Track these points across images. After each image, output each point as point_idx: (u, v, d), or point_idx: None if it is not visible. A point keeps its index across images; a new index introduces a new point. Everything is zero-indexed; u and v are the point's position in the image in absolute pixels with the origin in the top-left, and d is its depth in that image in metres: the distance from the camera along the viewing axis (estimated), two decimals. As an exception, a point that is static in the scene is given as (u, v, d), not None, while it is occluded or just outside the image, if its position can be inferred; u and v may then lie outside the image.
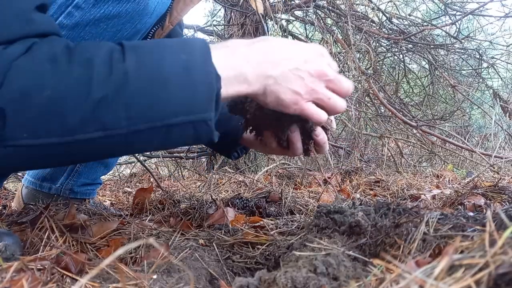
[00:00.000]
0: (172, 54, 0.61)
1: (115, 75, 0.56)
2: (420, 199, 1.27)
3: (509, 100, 2.76)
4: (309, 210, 1.20)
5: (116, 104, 0.56)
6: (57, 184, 1.26)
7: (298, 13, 2.83)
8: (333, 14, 2.69)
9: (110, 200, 1.58)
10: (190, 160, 2.70)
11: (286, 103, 0.69)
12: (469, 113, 3.51)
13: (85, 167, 1.28)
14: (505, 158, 1.75)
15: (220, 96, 0.62)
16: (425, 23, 2.78)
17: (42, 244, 0.81)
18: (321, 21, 2.65)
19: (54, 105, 0.54)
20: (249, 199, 1.23)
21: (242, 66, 0.66)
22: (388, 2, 2.89)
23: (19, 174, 1.84)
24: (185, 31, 3.00)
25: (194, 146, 2.78)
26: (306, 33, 3.03)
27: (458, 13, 2.65)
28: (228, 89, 0.65)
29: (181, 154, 2.59)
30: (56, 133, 0.55)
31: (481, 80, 3.05)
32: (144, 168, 2.31)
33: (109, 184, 2.11)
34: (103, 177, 1.43)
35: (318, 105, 0.73)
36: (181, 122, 0.60)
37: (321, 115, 0.73)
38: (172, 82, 0.59)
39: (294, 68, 0.69)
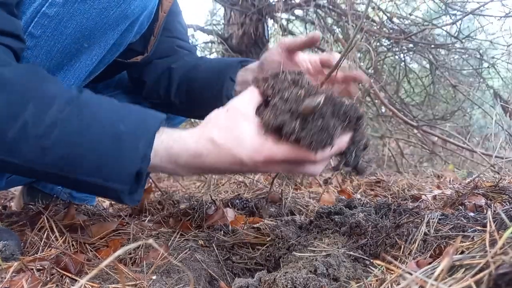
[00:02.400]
0: (114, 124, 0.63)
1: (46, 120, 0.60)
2: (421, 200, 1.26)
3: (509, 100, 2.75)
4: (309, 211, 1.20)
5: (35, 144, 0.60)
6: (59, 186, 1.27)
7: (299, 12, 2.83)
8: (333, 13, 2.68)
9: (109, 200, 1.58)
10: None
11: None
12: (470, 113, 3.51)
13: None
14: (506, 158, 1.75)
15: (143, 175, 0.65)
16: (426, 23, 2.78)
17: (42, 244, 0.80)
18: (322, 20, 2.65)
19: None
20: (249, 200, 1.22)
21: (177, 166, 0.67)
22: (389, 1, 2.88)
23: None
24: (185, 31, 2.99)
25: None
26: (307, 32, 3.02)
27: (459, 12, 2.65)
28: (156, 169, 0.67)
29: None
30: None
31: (481, 80, 3.05)
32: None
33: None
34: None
35: None
36: (92, 182, 0.63)
37: None
38: (97, 146, 0.62)
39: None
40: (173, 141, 0.66)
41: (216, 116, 0.69)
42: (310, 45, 0.94)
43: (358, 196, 1.48)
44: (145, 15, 0.83)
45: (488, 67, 2.93)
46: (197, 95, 1.06)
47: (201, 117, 0.71)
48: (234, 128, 0.66)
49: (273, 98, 0.67)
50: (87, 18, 0.73)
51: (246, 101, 0.69)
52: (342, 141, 0.68)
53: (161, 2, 0.98)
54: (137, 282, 0.64)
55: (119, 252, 0.36)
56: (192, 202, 1.12)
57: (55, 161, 0.62)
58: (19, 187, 1.36)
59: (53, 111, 0.61)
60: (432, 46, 2.77)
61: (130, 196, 0.66)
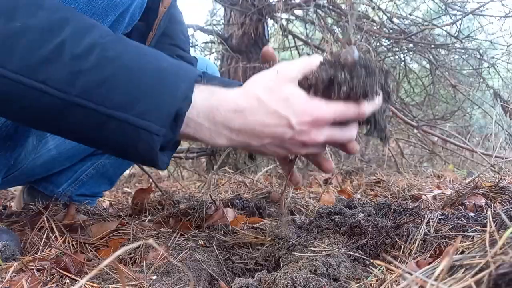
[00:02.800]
0: (156, 59, 0.59)
1: (86, 41, 0.55)
2: (421, 200, 1.26)
3: (509, 100, 2.75)
4: (309, 211, 1.20)
5: (70, 64, 0.54)
6: (59, 189, 1.27)
7: (299, 12, 2.83)
8: (333, 13, 2.68)
9: (109, 200, 1.58)
10: (190, 160, 2.70)
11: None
12: (469, 113, 3.51)
13: (90, 178, 1.29)
14: (506, 158, 1.75)
15: (181, 119, 0.58)
16: (426, 23, 2.78)
17: (42, 244, 0.80)
18: (322, 20, 2.65)
19: (9, 38, 0.53)
20: (249, 200, 1.22)
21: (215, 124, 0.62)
22: (388, 1, 2.88)
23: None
24: (185, 31, 2.99)
25: (194, 146, 2.78)
26: (307, 32, 3.03)
27: (459, 13, 2.65)
28: (191, 125, 0.61)
29: (181, 154, 2.58)
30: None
31: (481, 80, 3.05)
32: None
33: (109, 184, 2.10)
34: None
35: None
36: (124, 120, 0.56)
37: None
38: (136, 76, 0.56)
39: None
40: (212, 93, 0.61)
41: (264, 77, 0.65)
42: None
43: (358, 196, 1.48)
44: (136, 5, 0.81)
45: (488, 67, 2.92)
46: None
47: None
48: (282, 90, 0.62)
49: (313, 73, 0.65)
50: (75, 8, 0.70)
51: (297, 68, 0.65)
52: (380, 95, 0.66)
53: None
54: (137, 282, 0.64)
55: (119, 252, 0.36)
56: (192, 202, 1.12)
57: (88, 87, 0.55)
58: (20, 187, 1.36)
59: (94, 35, 0.57)
60: (432, 46, 2.77)
61: (162, 152, 0.60)
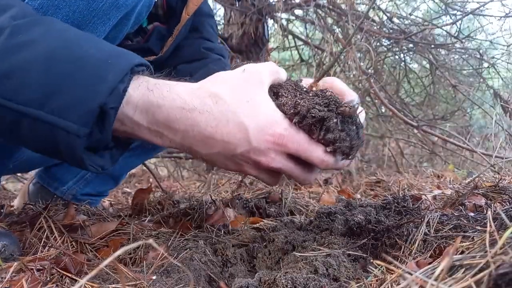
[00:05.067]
0: (81, 46, 0.49)
1: None
2: (421, 200, 1.26)
3: (509, 100, 2.75)
4: (309, 211, 1.20)
5: None
6: (64, 187, 1.27)
7: (299, 12, 2.83)
8: (333, 13, 2.68)
9: (109, 200, 1.58)
10: (190, 160, 2.70)
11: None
12: (470, 113, 3.50)
13: (96, 177, 1.29)
14: (506, 158, 1.74)
15: (109, 116, 0.48)
16: (426, 23, 2.78)
17: (41, 244, 0.80)
18: (322, 20, 2.65)
19: None
20: (249, 200, 1.22)
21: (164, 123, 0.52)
22: (389, 1, 2.88)
23: (18, 174, 1.84)
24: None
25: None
26: (307, 32, 3.03)
27: (459, 13, 2.65)
28: (125, 123, 0.51)
29: (181, 154, 2.58)
30: None
31: (481, 80, 3.04)
32: (143, 168, 2.30)
33: (109, 184, 2.10)
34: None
35: None
36: (38, 118, 0.46)
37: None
38: (53, 65, 0.47)
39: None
40: (155, 85, 0.51)
41: (228, 74, 0.55)
42: None
43: (358, 196, 1.48)
44: (143, 5, 0.78)
45: (488, 67, 2.92)
46: None
47: None
48: (249, 91, 0.53)
49: (297, 90, 0.58)
50: (74, 11, 0.67)
51: (268, 72, 0.57)
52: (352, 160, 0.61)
53: (187, 5, 0.95)
54: (137, 282, 0.64)
55: (119, 252, 0.36)
56: (192, 202, 1.12)
57: None
58: (26, 183, 1.36)
59: (5, 16, 0.48)
60: (432, 46, 2.77)
61: (90, 155, 0.51)
